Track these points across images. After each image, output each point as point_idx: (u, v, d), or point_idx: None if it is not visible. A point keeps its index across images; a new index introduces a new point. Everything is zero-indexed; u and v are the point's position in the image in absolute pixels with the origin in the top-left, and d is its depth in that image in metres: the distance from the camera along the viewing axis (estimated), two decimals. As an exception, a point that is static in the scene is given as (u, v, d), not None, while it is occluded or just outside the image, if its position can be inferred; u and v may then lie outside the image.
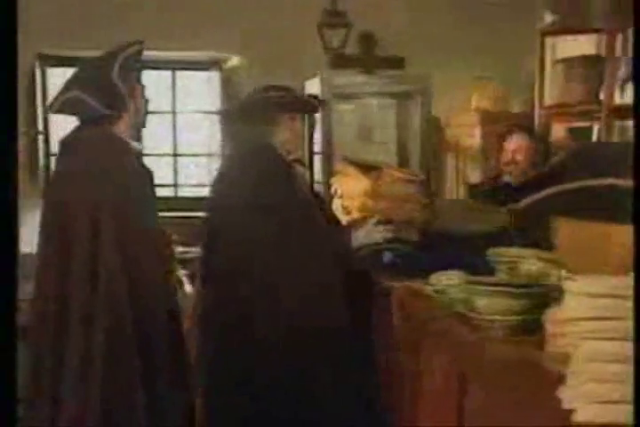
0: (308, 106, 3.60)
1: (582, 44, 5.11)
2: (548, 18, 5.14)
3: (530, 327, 2.38)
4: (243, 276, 3.30)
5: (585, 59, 4.81)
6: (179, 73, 6.38)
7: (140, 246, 2.91)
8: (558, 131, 5.41)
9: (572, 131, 5.34)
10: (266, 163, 3.40)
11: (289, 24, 5.84)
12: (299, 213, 3.35)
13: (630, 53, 4.58)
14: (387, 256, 3.48)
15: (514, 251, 2.81)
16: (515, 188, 3.95)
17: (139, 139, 3.15)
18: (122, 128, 3.03)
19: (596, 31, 4.99)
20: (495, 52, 5.83)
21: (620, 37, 4.57)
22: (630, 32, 4.62)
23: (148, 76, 5.88)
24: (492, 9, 5.82)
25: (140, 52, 3.02)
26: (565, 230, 2.05)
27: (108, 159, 2.95)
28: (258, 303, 3.28)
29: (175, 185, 6.48)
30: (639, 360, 1.79)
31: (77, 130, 3.06)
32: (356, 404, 3.40)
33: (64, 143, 3.05)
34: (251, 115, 3.39)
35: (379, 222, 3.78)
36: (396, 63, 5.96)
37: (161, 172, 6.26)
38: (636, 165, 1.94)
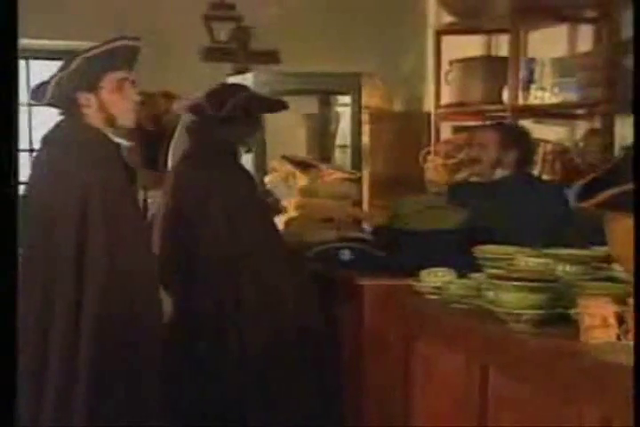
0: (278, 105, 3.54)
1: (476, 45, 5.30)
2: (441, 18, 5.29)
3: (553, 320, 2.46)
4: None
5: (485, 59, 4.98)
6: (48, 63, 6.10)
7: (130, 248, 2.80)
8: (445, 129, 5.59)
9: (456, 129, 5.54)
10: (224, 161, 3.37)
11: (168, 16, 5.74)
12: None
13: (530, 54, 4.81)
14: (344, 255, 3.49)
15: (503, 248, 2.88)
16: (485, 185, 3.86)
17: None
18: (95, 121, 2.91)
19: (489, 32, 5.20)
20: (378, 50, 5.92)
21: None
22: (530, 34, 4.86)
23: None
24: (377, 7, 5.90)
25: (124, 48, 2.88)
26: (619, 226, 2.15)
27: (83, 150, 2.84)
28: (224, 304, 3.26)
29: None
30: (639, 359, 1.89)
31: (57, 125, 2.94)
32: (315, 405, 3.41)
33: (44, 139, 2.92)
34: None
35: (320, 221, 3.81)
36: (271, 58, 5.95)
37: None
38: (635, 164, 2.03)
